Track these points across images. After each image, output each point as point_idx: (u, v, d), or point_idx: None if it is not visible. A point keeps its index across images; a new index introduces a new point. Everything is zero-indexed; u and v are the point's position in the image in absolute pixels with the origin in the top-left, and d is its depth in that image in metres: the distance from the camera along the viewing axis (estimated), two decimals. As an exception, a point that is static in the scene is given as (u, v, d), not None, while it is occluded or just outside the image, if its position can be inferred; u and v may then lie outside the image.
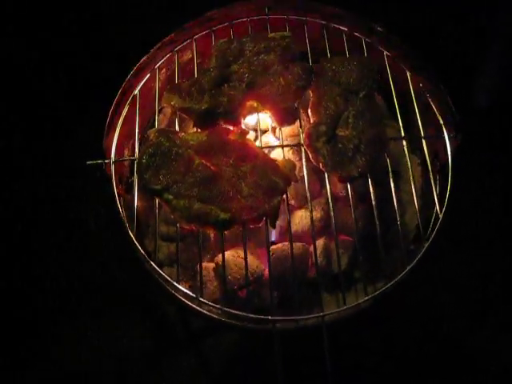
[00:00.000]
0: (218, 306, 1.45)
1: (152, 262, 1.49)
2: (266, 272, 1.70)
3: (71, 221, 1.67)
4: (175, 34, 1.77)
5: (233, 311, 1.43)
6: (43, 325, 1.42)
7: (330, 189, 1.57)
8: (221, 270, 1.57)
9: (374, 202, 1.55)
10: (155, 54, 1.77)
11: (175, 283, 1.47)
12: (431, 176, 1.63)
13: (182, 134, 1.59)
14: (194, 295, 1.45)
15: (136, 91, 1.72)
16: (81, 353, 1.43)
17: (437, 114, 1.70)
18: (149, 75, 1.75)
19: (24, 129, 1.71)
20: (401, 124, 1.66)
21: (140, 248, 1.50)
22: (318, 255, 1.67)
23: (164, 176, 1.50)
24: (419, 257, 1.50)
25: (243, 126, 1.62)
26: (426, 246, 1.52)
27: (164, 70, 1.85)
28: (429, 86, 1.75)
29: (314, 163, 1.56)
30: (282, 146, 1.62)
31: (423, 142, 1.66)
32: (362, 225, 1.78)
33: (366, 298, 1.46)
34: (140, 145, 1.65)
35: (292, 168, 1.55)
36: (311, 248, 1.75)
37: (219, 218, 1.45)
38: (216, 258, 1.76)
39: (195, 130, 1.62)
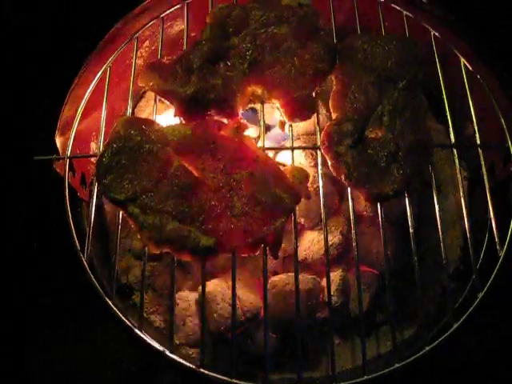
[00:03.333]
0: (191, 365, 1.06)
1: (108, 301, 1.10)
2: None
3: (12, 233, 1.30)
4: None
5: (212, 375, 1.04)
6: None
7: (353, 206, 1.17)
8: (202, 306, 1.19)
9: (411, 228, 1.16)
10: (133, 20, 1.37)
11: (137, 331, 1.08)
12: (488, 196, 1.23)
13: (160, 125, 1.19)
14: (160, 348, 1.06)
15: (106, 65, 1.31)
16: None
17: (499, 115, 1.29)
18: (124, 45, 1.34)
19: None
20: (451, 127, 1.25)
21: (93, 279, 1.11)
22: (332, 292, 1.29)
23: (130, 182, 1.11)
24: (471, 311, 1.10)
25: (241, 119, 1.22)
26: (480, 296, 1.12)
27: (147, 43, 1.45)
28: (489, 78, 1.33)
29: (334, 174, 1.16)
30: (292, 148, 1.22)
31: (479, 151, 1.25)
32: (391, 254, 1.38)
33: (398, 365, 1.06)
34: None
35: (304, 179, 1.15)
36: (323, 282, 1.36)
37: (200, 244, 1.06)
38: (199, 288, 1.36)
39: (178, 121, 1.22)
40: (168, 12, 1.39)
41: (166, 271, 1.42)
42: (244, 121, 1.21)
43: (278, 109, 1.23)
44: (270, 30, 1.27)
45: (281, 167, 1.17)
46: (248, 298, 1.33)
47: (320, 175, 1.18)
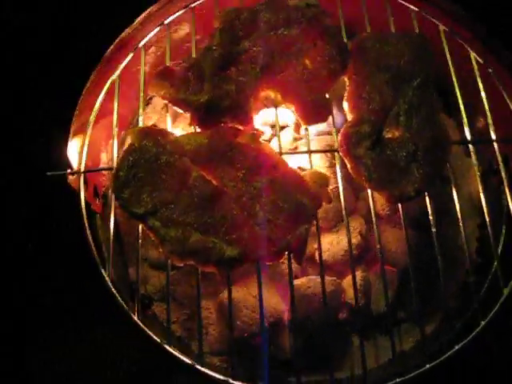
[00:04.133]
0: (222, 377, 1.05)
1: (135, 318, 1.09)
2: (286, 314, 1.32)
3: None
4: (167, 1, 1.34)
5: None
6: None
7: (374, 206, 1.17)
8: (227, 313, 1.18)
9: (433, 227, 1.16)
10: (140, 27, 1.34)
11: (166, 346, 1.07)
12: (507, 189, 1.22)
13: (174, 135, 1.18)
14: (189, 362, 1.06)
15: (115, 76, 1.29)
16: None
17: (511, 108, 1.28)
18: (132, 55, 1.32)
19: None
20: (466, 123, 1.24)
21: (118, 296, 1.10)
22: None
23: (149, 195, 1.10)
24: (497, 309, 1.10)
25: (257, 125, 1.21)
26: (506, 293, 1.12)
27: (153, 49, 1.42)
28: (500, 70, 1.32)
29: (354, 176, 1.15)
30: (310, 152, 1.21)
31: (495, 146, 1.25)
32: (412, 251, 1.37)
33: (428, 365, 1.06)
34: (120, 149, 1.24)
35: (324, 183, 1.14)
36: (344, 283, 1.36)
37: (225, 254, 1.05)
38: (221, 295, 1.36)
39: (192, 129, 1.21)
40: (173, 17, 1.36)
41: (185, 280, 1.41)
42: (258, 126, 1.20)
43: (292, 112, 1.21)
44: (279, 32, 1.25)
45: (299, 171, 1.15)
46: (270, 303, 1.33)
47: (339, 176, 1.17)
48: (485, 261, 1.41)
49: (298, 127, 1.29)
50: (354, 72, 1.24)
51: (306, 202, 1.10)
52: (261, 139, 1.16)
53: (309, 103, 1.20)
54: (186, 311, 1.40)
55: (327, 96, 1.20)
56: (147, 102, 1.62)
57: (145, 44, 1.33)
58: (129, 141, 1.16)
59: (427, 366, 1.06)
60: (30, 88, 1.38)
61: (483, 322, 1.10)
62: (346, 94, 1.23)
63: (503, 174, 1.23)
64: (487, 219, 1.20)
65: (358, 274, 1.34)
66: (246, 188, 1.11)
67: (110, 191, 1.28)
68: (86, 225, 1.17)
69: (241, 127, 1.18)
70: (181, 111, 1.20)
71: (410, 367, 1.08)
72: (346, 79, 1.24)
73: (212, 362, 1.32)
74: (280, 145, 1.20)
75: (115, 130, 1.24)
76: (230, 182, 1.11)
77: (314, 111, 1.20)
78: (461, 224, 1.19)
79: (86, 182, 1.27)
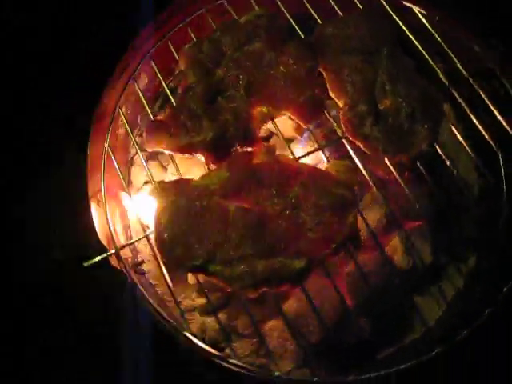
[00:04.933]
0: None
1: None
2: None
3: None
4: (126, 57, 1.34)
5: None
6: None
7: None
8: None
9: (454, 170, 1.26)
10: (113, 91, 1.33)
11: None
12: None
13: (194, 179, 1.18)
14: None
15: (106, 146, 1.27)
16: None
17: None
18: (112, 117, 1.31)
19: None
20: (440, 72, 1.33)
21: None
22: (401, 256, 1.38)
23: (199, 244, 1.10)
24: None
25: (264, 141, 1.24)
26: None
27: (124, 110, 1.41)
28: (447, 17, 1.42)
29: (371, 153, 1.21)
30: (321, 148, 1.26)
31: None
32: (428, 201, 1.46)
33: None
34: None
35: (348, 170, 1.20)
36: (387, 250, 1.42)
37: (295, 269, 1.08)
38: (285, 309, 1.37)
39: (206, 168, 1.22)
40: (136, 72, 1.35)
41: (239, 311, 1.42)
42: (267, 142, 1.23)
43: (290, 118, 1.26)
44: (245, 50, 1.29)
45: (324, 169, 1.20)
46: (327, 302, 1.37)
47: (358, 162, 1.22)
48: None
49: (299, 129, 1.34)
50: (326, 62, 1.30)
51: (342, 191, 1.15)
52: (277, 153, 1.20)
53: (301, 104, 1.24)
54: (254, 340, 1.41)
55: (316, 92, 1.26)
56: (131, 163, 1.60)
57: (119, 105, 1.33)
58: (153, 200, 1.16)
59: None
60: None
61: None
62: (328, 85, 1.29)
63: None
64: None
65: (396, 239, 1.42)
66: (284, 202, 1.13)
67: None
68: (156, 308, 1.15)
69: (250, 149, 1.22)
70: (187, 155, 1.21)
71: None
72: (322, 71, 1.30)
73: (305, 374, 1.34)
74: (292, 152, 1.24)
75: (131, 209, 1.23)
76: (267, 202, 1.14)
77: (308, 110, 1.25)
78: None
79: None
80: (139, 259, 1.48)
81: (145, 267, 1.48)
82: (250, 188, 1.15)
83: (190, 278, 1.44)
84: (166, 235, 1.10)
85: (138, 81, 1.38)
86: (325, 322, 1.32)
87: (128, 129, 1.31)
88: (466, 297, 1.40)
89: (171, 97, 1.31)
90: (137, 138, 1.52)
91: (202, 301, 1.44)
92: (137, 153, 1.57)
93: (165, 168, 1.58)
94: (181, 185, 1.17)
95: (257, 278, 1.07)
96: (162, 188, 1.16)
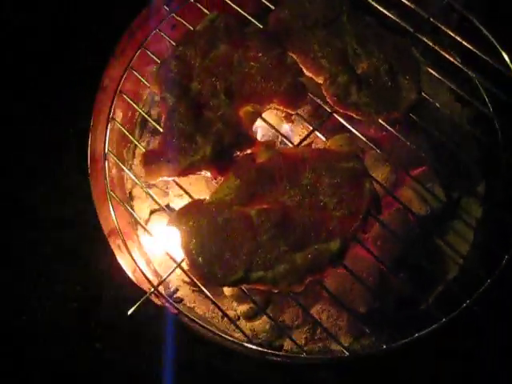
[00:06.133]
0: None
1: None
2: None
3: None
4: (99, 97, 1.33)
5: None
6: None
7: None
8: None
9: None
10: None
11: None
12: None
13: (206, 198, 1.18)
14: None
15: (108, 190, 1.26)
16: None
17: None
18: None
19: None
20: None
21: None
22: (419, 206, 1.41)
23: (234, 258, 1.10)
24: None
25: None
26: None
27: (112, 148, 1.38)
28: None
29: (363, 119, 1.23)
30: (315, 129, 1.26)
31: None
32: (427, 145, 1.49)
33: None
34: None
35: (349, 142, 1.21)
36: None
37: (333, 252, 1.09)
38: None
39: (213, 181, 1.22)
40: (112, 111, 1.34)
41: (282, 307, 1.43)
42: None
43: (277, 109, 1.26)
44: (212, 56, 1.28)
45: (327, 147, 1.21)
46: (364, 270, 1.39)
47: (354, 130, 1.24)
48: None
49: (288, 117, 1.34)
50: (292, 45, 1.30)
51: (351, 163, 1.17)
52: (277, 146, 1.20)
53: (284, 93, 1.24)
54: (306, 328, 1.43)
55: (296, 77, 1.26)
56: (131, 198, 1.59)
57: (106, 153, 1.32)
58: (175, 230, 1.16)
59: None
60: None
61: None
62: (302, 66, 1.29)
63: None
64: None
65: (408, 191, 1.45)
66: (300, 191, 1.14)
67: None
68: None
69: (250, 151, 1.22)
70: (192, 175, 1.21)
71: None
72: (291, 54, 1.30)
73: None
74: (290, 141, 1.25)
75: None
76: (285, 197, 1.14)
77: (292, 96, 1.25)
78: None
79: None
80: (171, 288, 1.48)
81: (179, 294, 1.48)
82: (263, 188, 1.16)
83: (226, 289, 1.44)
84: (200, 259, 1.10)
85: (116, 118, 1.37)
86: (368, 289, 1.34)
87: (125, 169, 1.30)
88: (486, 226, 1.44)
89: (155, 123, 1.30)
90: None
91: (244, 307, 1.45)
92: (133, 187, 1.58)
93: (166, 192, 1.57)
94: (196, 206, 1.16)
95: (300, 272, 1.08)
96: (179, 215, 1.15)
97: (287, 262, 1.09)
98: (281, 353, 1.19)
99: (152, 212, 1.56)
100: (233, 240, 1.12)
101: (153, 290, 1.16)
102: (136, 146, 1.59)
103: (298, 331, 1.42)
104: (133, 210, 1.50)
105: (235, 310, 1.47)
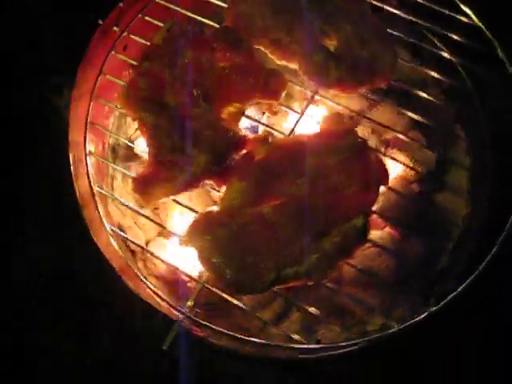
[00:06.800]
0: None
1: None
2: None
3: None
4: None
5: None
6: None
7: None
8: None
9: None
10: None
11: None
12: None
13: (216, 208, 1.13)
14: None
15: (109, 231, 1.17)
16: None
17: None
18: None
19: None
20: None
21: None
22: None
23: (259, 263, 1.05)
24: None
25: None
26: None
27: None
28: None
29: (352, 92, 1.22)
30: (303, 113, 1.24)
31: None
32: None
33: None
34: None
35: (340, 119, 1.20)
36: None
37: (358, 226, 1.07)
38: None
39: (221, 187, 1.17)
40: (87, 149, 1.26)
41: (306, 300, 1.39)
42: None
43: (262, 103, 1.23)
44: (182, 65, 1.23)
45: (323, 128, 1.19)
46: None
47: (341, 106, 1.23)
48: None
49: (272, 109, 1.30)
50: (257, 37, 1.27)
51: (350, 139, 1.15)
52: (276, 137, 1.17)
53: (263, 86, 1.21)
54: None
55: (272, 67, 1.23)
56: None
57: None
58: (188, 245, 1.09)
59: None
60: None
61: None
62: (273, 56, 1.26)
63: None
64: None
65: (406, 158, 1.45)
66: (307, 179, 1.11)
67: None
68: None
69: (246, 149, 1.17)
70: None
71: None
72: (257, 46, 1.27)
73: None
74: (281, 132, 1.21)
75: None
76: (293, 188, 1.11)
77: (272, 87, 1.21)
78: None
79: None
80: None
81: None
82: (269, 184, 1.12)
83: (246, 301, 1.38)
84: (226, 272, 1.04)
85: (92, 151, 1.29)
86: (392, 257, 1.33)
87: (123, 201, 1.24)
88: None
89: (134, 145, 1.24)
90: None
91: (268, 313, 1.40)
92: (120, 219, 1.50)
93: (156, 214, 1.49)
94: (207, 219, 1.10)
95: (332, 258, 1.05)
96: (192, 232, 1.09)
97: (316, 251, 1.05)
98: (329, 345, 1.14)
99: (147, 242, 1.48)
100: (253, 243, 1.06)
101: (183, 316, 1.09)
102: (113, 178, 1.51)
103: (328, 323, 1.39)
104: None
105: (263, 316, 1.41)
